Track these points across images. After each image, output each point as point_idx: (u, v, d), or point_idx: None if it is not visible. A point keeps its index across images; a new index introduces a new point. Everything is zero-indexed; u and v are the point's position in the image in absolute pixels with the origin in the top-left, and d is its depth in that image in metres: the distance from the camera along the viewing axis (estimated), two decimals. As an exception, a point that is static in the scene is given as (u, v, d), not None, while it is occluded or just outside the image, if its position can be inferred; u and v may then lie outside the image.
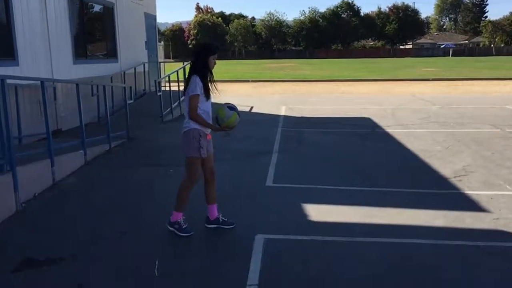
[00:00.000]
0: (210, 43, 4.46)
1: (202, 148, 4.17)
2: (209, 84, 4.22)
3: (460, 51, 76.77)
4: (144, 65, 14.21)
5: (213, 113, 4.28)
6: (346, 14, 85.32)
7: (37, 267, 3.73)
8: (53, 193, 5.70)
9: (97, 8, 11.64)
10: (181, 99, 11.12)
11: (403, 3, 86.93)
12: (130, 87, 11.79)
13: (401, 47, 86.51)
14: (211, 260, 3.87)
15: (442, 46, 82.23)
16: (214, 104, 4.28)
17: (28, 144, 7.40)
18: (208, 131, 4.27)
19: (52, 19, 9.01)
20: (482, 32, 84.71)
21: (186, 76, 4.34)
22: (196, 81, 4.10)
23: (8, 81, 5.10)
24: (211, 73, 4.26)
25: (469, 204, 5.19)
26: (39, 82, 6.23)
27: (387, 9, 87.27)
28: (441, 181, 6.12)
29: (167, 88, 13.17)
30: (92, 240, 4.27)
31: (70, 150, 6.74)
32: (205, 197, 4.47)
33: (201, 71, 4.16)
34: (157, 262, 3.75)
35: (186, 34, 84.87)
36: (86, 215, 4.97)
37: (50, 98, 8.36)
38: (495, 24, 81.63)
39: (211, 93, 4.22)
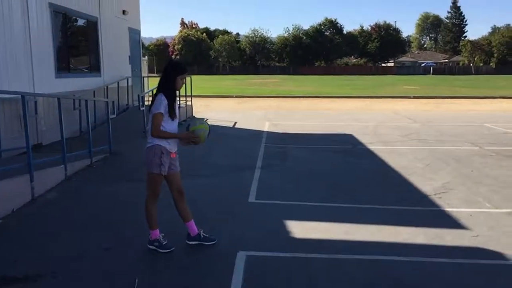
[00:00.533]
0: (179, 62, 4.45)
1: (163, 165, 4.17)
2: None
3: (440, 70, 78.29)
4: (127, 79, 14.15)
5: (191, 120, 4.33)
6: (329, 31, 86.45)
7: (15, 285, 3.65)
8: (32, 209, 5.60)
9: (80, 22, 11.61)
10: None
11: (385, 22, 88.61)
12: (113, 102, 11.71)
13: (383, 64, 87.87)
14: (192, 278, 3.83)
15: (423, 65, 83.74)
16: (195, 119, 4.30)
17: (8, 159, 7.28)
18: (173, 149, 4.26)
19: (34, 32, 8.96)
20: (462, 52, 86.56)
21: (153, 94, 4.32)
22: (161, 99, 4.10)
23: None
24: (176, 93, 4.25)
25: (449, 222, 5.25)
26: (20, 96, 6.16)
27: (369, 28, 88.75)
28: (421, 198, 6.19)
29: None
30: (72, 257, 4.20)
31: (50, 165, 6.65)
32: (180, 217, 4.44)
33: (168, 90, 4.15)
34: (136, 280, 3.70)
35: (170, 49, 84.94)
36: (66, 231, 4.89)
37: (31, 112, 8.26)
38: (474, 44, 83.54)
39: (177, 113, 4.20)
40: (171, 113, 4.14)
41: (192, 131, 4.22)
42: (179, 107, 4.33)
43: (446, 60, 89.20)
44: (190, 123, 4.32)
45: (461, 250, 4.43)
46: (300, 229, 4.96)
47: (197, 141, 4.26)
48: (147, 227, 4.36)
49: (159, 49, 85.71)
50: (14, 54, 8.31)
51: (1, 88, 7.42)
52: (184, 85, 4.31)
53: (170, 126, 4.18)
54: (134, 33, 15.39)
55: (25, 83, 8.58)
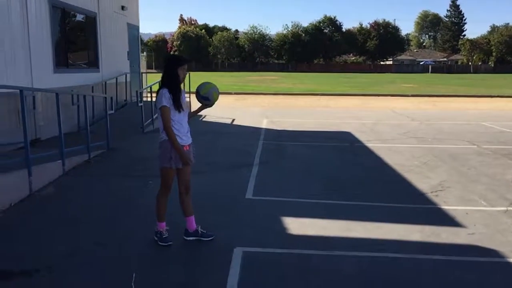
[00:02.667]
0: (178, 55, 4.48)
1: (173, 159, 4.20)
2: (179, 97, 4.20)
3: (439, 68, 78.42)
4: (126, 75, 14.15)
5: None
6: (328, 29, 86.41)
7: (12, 279, 3.66)
8: (30, 203, 5.61)
9: (79, 17, 11.59)
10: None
11: (384, 20, 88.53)
12: (111, 97, 11.71)
13: (382, 63, 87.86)
14: (189, 273, 3.85)
15: (421, 63, 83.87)
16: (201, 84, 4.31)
17: (6, 153, 7.28)
18: (186, 142, 4.29)
19: (33, 27, 8.94)
20: (460, 50, 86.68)
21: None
22: (163, 93, 4.13)
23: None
24: (179, 85, 4.24)
25: (445, 219, 5.28)
26: (18, 90, 6.16)
27: (369, 26, 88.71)
28: (418, 196, 6.21)
29: (149, 99, 13.13)
30: (69, 252, 4.21)
31: (48, 160, 6.66)
32: (182, 210, 4.48)
33: (170, 84, 4.18)
34: (134, 275, 3.72)
35: (169, 45, 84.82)
36: (63, 226, 4.91)
37: (29, 107, 8.26)
38: (473, 43, 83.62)
39: (182, 105, 4.21)
40: (176, 106, 4.16)
41: (203, 96, 4.31)
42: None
43: (445, 59, 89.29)
44: (198, 89, 4.34)
45: (456, 248, 4.46)
46: (296, 225, 4.99)
47: (210, 104, 4.38)
48: (152, 219, 4.40)
49: (158, 45, 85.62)
50: (13, 48, 8.29)
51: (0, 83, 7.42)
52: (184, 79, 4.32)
53: (177, 117, 4.21)
54: (133, 29, 15.37)
55: (23, 78, 8.56)
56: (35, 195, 5.91)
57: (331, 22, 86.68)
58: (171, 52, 79.83)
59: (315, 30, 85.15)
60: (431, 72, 71.91)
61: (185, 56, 4.47)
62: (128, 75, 14.48)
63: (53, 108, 7.50)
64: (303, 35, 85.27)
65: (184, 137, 4.28)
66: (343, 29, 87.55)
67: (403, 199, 6.06)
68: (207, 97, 4.32)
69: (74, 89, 10.08)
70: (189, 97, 14.93)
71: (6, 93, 7.55)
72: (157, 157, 4.30)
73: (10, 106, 7.90)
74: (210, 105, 4.42)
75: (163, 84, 4.21)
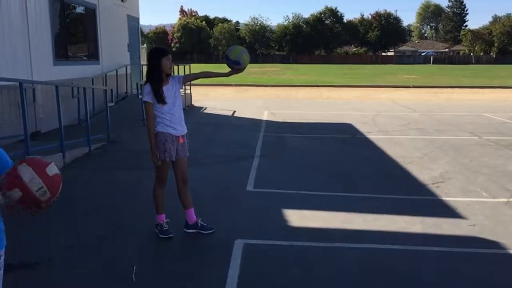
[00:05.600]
0: (158, 46, 4.52)
1: (167, 151, 4.20)
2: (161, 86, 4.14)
3: (441, 59, 78.03)
4: (126, 67, 14.10)
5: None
6: (329, 20, 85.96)
7: (11, 272, 3.66)
8: (30, 196, 5.60)
9: (79, 9, 11.54)
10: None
11: (386, 10, 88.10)
12: (112, 90, 11.69)
13: (383, 54, 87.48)
14: (190, 266, 3.85)
15: (423, 54, 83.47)
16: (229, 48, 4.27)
17: (6, 146, 7.25)
18: (180, 133, 4.27)
19: (32, 19, 8.90)
20: (462, 41, 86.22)
21: None
22: (145, 88, 4.14)
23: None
24: (162, 77, 4.16)
25: (446, 211, 5.26)
26: (18, 83, 6.14)
27: (370, 16, 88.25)
28: (419, 188, 6.19)
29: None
30: (70, 244, 4.21)
31: (48, 153, 6.65)
32: (181, 203, 4.47)
33: (151, 76, 4.16)
34: (135, 267, 3.71)
35: (169, 37, 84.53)
36: (64, 219, 4.90)
37: (29, 99, 8.24)
38: (475, 33, 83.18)
39: (164, 98, 4.12)
40: (157, 99, 4.12)
41: (234, 61, 4.27)
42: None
43: (447, 50, 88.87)
44: (227, 54, 4.31)
45: (457, 239, 4.45)
46: (297, 217, 4.98)
47: (241, 68, 4.34)
48: (152, 212, 4.40)
49: (158, 37, 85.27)
50: (12, 41, 8.26)
51: (-1, 75, 7.40)
52: (172, 68, 4.29)
53: (167, 109, 4.18)
54: (133, 21, 15.30)
55: (23, 70, 8.54)
56: (36, 188, 5.89)
57: (332, 13, 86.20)
58: (172, 45, 79.70)
59: (316, 21, 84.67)
60: (432, 63, 71.57)
61: (163, 47, 4.47)
62: (129, 67, 14.43)
63: (53, 100, 7.48)
64: (304, 26, 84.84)
65: (178, 127, 4.26)
66: (344, 20, 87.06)
67: (404, 190, 6.04)
68: (237, 61, 4.26)
69: (74, 82, 10.06)
70: (190, 89, 14.92)
71: (6, 85, 7.54)
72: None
73: (10, 99, 7.88)
74: (242, 69, 4.36)
75: (146, 78, 4.21)
